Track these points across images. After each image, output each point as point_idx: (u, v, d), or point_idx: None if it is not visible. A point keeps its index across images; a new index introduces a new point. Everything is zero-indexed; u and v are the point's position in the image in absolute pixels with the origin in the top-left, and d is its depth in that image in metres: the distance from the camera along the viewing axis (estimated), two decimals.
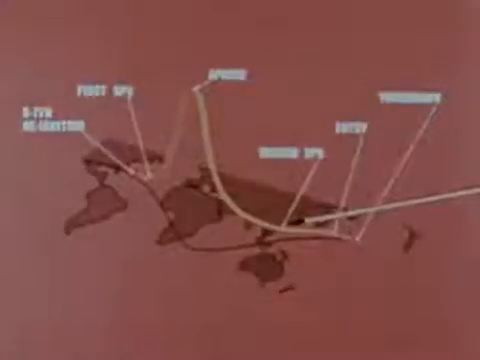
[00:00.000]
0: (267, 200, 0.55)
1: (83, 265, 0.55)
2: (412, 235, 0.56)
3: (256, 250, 0.55)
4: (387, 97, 0.55)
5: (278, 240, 0.55)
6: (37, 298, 0.55)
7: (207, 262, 0.55)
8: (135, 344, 0.55)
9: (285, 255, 0.55)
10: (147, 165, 0.55)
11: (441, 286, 0.56)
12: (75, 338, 0.55)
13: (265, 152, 0.55)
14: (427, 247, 0.55)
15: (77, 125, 0.55)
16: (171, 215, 0.55)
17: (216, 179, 0.53)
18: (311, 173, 0.55)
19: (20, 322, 0.55)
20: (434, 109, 0.55)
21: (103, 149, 0.55)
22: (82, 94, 0.55)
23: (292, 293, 0.55)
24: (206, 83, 0.54)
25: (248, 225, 0.55)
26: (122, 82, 0.55)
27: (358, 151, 0.55)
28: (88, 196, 0.55)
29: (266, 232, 0.55)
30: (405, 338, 0.55)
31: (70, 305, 0.55)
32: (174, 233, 0.55)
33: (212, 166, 0.53)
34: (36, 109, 0.55)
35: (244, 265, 0.55)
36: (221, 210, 0.55)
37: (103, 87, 0.55)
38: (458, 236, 0.56)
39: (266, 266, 0.55)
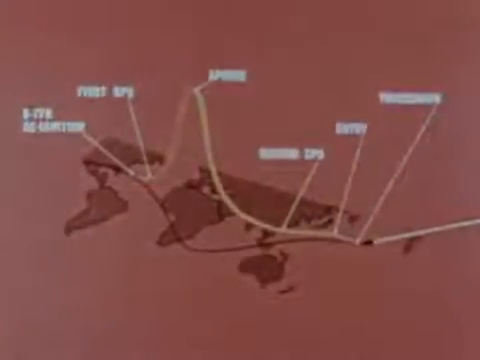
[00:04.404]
0: (267, 201, 0.55)
1: (83, 266, 0.55)
2: (412, 237, 0.55)
3: (256, 251, 0.55)
4: (387, 98, 0.56)
5: (278, 241, 0.55)
6: (37, 298, 0.55)
7: (207, 263, 0.55)
8: (135, 345, 0.55)
9: (285, 256, 0.55)
10: (147, 166, 0.55)
11: (441, 288, 0.55)
12: (75, 339, 0.54)
13: (265, 153, 0.55)
14: (427, 249, 0.55)
15: (77, 126, 0.55)
16: (171, 216, 0.55)
17: (216, 180, 0.53)
18: (311, 174, 0.55)
19: (20, 322, 0.54)
20: (434, 110, 0.55)
21: (103, 150, 0.55)
22: (82, 95, 0.55)
23: (292, 294, 0.55)
24: (206, 84, 0.54)
25: (248, 226, 0.55)
26: (122, 83, 0.55)
27: (358, 152, 0.55)
28: (88, 197, 0.55)
29: (266, 233, 0.55)
30: (405, 339, 0.55)
31: (70, 306, 0.55)
32: (174, 234, 0.55)
33: (212, 167, 0.53)
34: (36, 110, 0.55)
35: (244, 266, 0.55)
36: (221, 211, 0.55)
37: (103, 88, 0.55)
38: (459, 237, 0.56)
39: (266, 267, 0.55)
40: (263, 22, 0.57)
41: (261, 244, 0.55)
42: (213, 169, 0.53)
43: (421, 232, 0.55)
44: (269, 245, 0.55)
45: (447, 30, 0.57)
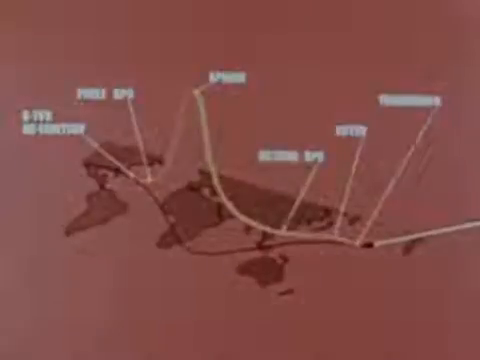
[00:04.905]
0: (267, 203, 0.55)
1: (83, 268, 0.55)
2: (413, 239, 0.55)
3: (256, 254, 0.55)
4: (387, 100, 0.56)
5: (278, 244, 0.55)
6: (37, 300, 0.54)
7: (207, 265, 0.55)
8: (135, 346, 0.54)
9: (285, 259, 0.55)
10: (147, 168, 0.55)
11: (441, 289, 0.55)
12: (75, 340, 0.54)
13: (265, 155, 0.55)
14: (428, 251, 0.55)
15: (77, 128, 0.55)
16: (171, 218, 0.55)
17: (216, 182, 0.53)
18: (311, 176, 0.55)
19: (19, 323, 0.54)
20: (434, 112, 0.55)
21: (103, 152, 0.55)
22: (82, 97, 0.56)
23: (292, 297, 0.55)
24: (206, 86, 0.54)
25: (248, 229, 0.55)
26: (122, 85, 0.55)
27: (358, 154, 0.55)
28: (88, 199, 0.55)
29: (266, 236, 0.55)
30: (405, 341, 0.55)
31: (70, 308, 0.54)
32: (174, 236, 0.55)
33: (212, 169, 0.53)
34: (36, 112, 0.55)
35: (244, 269, 0.55)
36: (221, 213, 0.55)
37: (103, 90, 0.56)
38: (459, 240, 0.56)
39: (266, 270, 0.55)
40: (263, 23, 0.57)
41: (261, 246, 0.55)
42: (213, 171, 0.53)
43: (422, 234, 0.55)
44: (269, 247, 0.55)
45: (446, 32, 0.57)
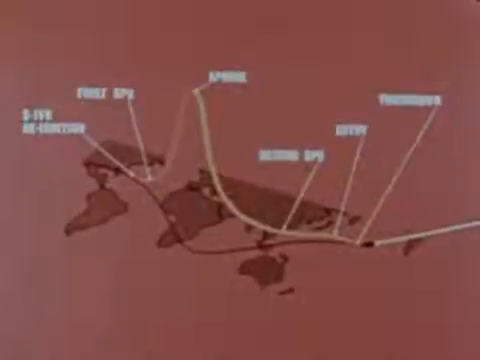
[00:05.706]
0: (267, 203, 0.55)
1: (83, 268, 0.55)
2: (412, 238, 0.55)
3: (256, 253, 0.55)
4: (387, 99, 0.56)
5: (278, 243, 0.55)
6: (37, 300, 0.54)
7: (207, 265, 0.55)
8: (135, 346, 0.54)
9: (285, 258, 0.55)
10: (147, 167, 0.55)
11: (441, 289, 0.55)
12: (75, 340, 0.54)
13: (265, 155, 0.55)
14: (427, 250, 0.55)
15: (77, 127, 0.55)
16: (172, 218, 0.55)
17: (216, 182, 0.53)
18: (311, 176, 0.55)
19: (19, 323, 0.54)
20: (434, 111, 0.56)
21: (103, 151, 0.55)
22: (82, 96, 0.56)
23: (293, 296, 0.55)
24: (206, 85, 0.54)
25: (248, 228, 0.55)
26: (122, 84, 0.55)
27: (358, 153, 0.55)
28: (88, 198, 0.55)
29: (266, 235, 0.55)
30: (406, 341, 0.55)
31: (70, 307, 0.54)
32: (174, 236, 0.55)
33: (212, 169, 0.53)
34: (36, 111, 0.55)
35: (244, 268, 0.55)
36: (221, 213, 0.55)
37: (103, 89, 0.56)
38: (458, 239, 0.56)
39: (266, 269, 0.55)
40: (263, 23, 0.57)
41: (261, 246, 0.55)
42: (213, 170, 0.53)
43: (422, 234, 0.55)
44: (269, 247, 0.55)
45: (447, 32, 0.57)
